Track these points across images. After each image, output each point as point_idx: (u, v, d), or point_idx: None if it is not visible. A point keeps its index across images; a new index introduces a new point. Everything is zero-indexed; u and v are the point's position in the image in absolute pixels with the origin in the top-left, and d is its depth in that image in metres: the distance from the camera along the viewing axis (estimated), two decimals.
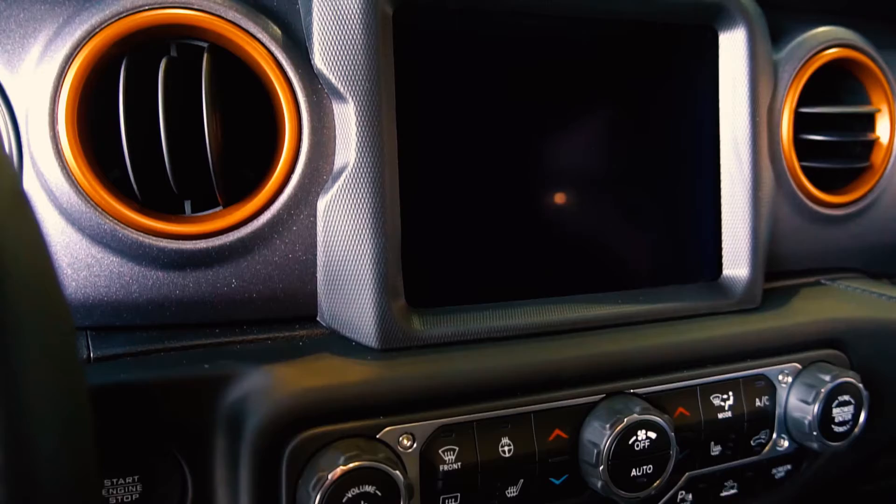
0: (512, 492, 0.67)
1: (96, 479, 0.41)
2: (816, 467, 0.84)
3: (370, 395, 0.62)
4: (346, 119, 0.64)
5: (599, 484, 0.67)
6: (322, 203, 0.65)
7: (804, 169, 0.87)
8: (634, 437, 0.67)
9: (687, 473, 0.75)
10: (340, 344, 0.66)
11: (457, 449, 0.64)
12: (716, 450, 0.75)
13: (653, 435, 0.68)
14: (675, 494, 0.76)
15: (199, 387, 0.60)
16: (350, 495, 0.57)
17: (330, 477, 0.57)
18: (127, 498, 0.60)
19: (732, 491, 0.79)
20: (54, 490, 0.37)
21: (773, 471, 0.81)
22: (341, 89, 0.63)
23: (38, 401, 0.37)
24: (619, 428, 0.66)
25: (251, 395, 0.60)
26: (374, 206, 0.64)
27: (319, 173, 0.66)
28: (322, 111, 0.65)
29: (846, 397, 0.77)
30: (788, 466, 0.82)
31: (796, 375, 0.79)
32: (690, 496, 0.77)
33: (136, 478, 0.60)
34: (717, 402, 0.75)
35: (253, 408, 0.59)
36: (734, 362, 0.76)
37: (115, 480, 0.59)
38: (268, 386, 0.60)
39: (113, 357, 0.61)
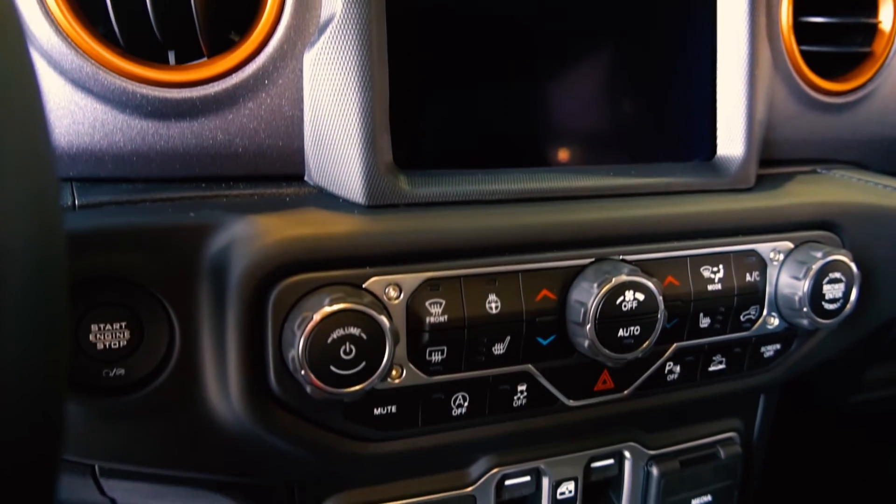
0: (499, 349, 0.67)
1: (67, 323, 0.40)
2: (806, 349, 0.84)
3: (356, 246, 0.62)
4: None
5: (586, 343, 0.67)
6: (308, 57, 0.64)
7: (803, 54, 0.86)
8: (622, 298, 0.67)
9: (675, 344, 0.75)
10: (328, 201, 0.66)
11: (443, 302, 0.64)
12: (704, 322, 0.75)
13: (641, 296, 0.67)
14: (663, 366, 0.76)
15: (185, 234, 0.60)
16: (335, 336, 0.57)
17: (315, 317, 0.57)
18: (114, 344, 0.60)
19: (720, 366, 0.79)
20: (22, 326, 0.36)
21: (763, 349, 0.81)
22: None
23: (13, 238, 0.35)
24: (606, 287, 0.66)
25: (236, 242, 0.60)
26: (360, 60, 0.63)
27: (306, 25, 0.65)
28: None
29: (837, 275, 0.77)
30: (778, 346, 0.82)
31: (788, 253, 0.78)
32: (678, 368, 0.77)
33: (122, 324, 0.60)
34: (707, 273, 0.74)
35: (238, 255, 0.59)
36: (725, 237, 0.75)
37: (102, 326, 0.59)
38: (253, 234, 0.60)
39: (98, 205, 0.61)
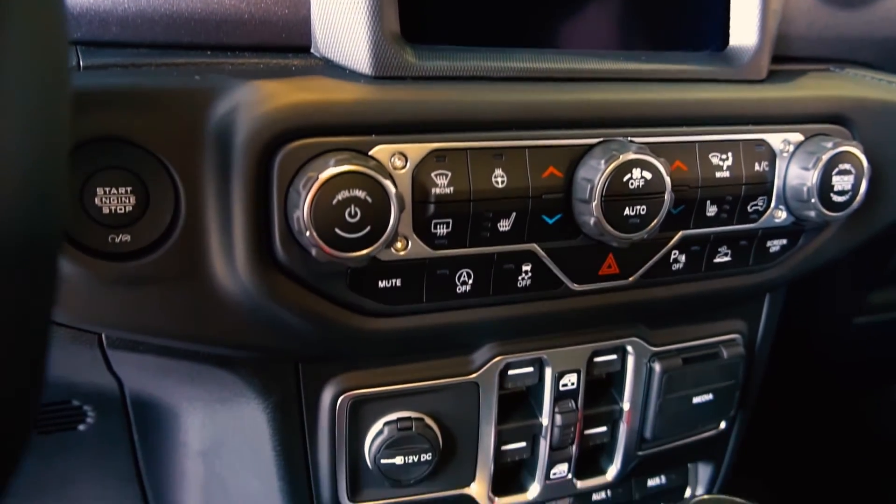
0: (504, 226, 0.67)
1: (65, 170, 0.39)
2: (812, 247, 0.84)
3: (362, 113, 0.61)
4: None
5: (592, 221, 0.66)
6: None
7: None
8: (629, 175, 0.66)
9: (681, 232, 0.75)
10: (334, 71, 0.65)
11: (449, 174, 0.63)
12: (711, 210, 0.75)
13: (648, 175, 0.67)
14: (669, 254, 0.76)
15: (189, 97, 0.59)
16: (340, 198, 0.57)
17: (321, 177, 0.57)
18: (120, 209, 0.60)
19: (726, 258, 0.79)
20: (21, 165, 0.36)
21: (769, 243, 0.81)
22: None
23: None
24: (614, 164, 0.65)
25: (241, 106, 0.59)
26: None
27: None
28: None
29: (847, 166, 0.76)
30: (784, 241, 0.81)
31: (798, 145, 0.77)
32: (683, 258, 0.77)
33: (128, 189, 0.60)
34: (715, 160, 0.74)
35: (243, 119, 0.59)
36: (735, 125, 0.75)
37: (107, 190, 0.59)
38: (259, 98, 0.59)
39: (103, 66, 0.61)
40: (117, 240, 0.60)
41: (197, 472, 0.91)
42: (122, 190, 0.60)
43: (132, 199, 0.60)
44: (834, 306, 1.32)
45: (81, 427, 0.87)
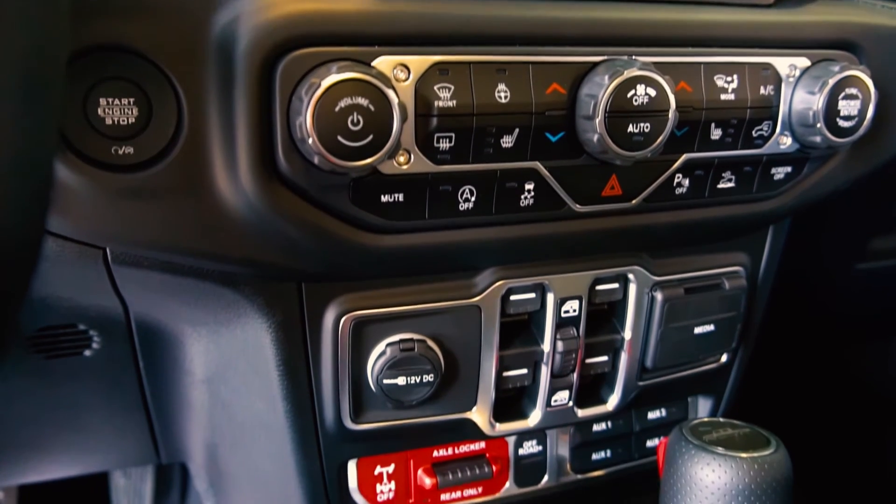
0: (507, 142, 0.67)
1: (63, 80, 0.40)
2: (817, 176, 0.83)
3: (365, 23, 0.61)
4: None
5: (595, 138, 0.66)
6: None
7: None
8: (633, 91, 0.66)
9: (685, 155, 0.74)
10: None
11: (452, 87, 0.63)
12: (716, 133, 0.75)
13: (652, 92, 0.66)
14: (672, 177, 0.75)
15: (191, 5, 0.59)
16: (343, 105, 0.57)
17: (323, 84, 0.57)
18: (123, 120, 0.60)
19: (730, 184, 0.79)
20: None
21: (773, 170, 0.80)
22: None
23: None
24: (618, 80, 0.65)
25: (244, 15, 0.59)
26: None
27: None
28: None
29: (854, 90, 0.76)
30: (789, 169, 0.81)
31: (804, 70, 0.77)
32: (687, 182, 0.77)
33: (131, 100, 0.60)
34: (720, 83, 0.73)
35: (245, 28, 0.59)
36: (742, 48, 0.74)
37: (110, 100, 0.59)
38: (260, 6, 0.59)
39: None
40: (120, 152, 0.61)
41: (202, 400, 0.93)
42: (124, 101, 0.60)
43: (135, 111, 0.60)
44: (836, 250, 1.32)
45: (88, 353, 0.88)
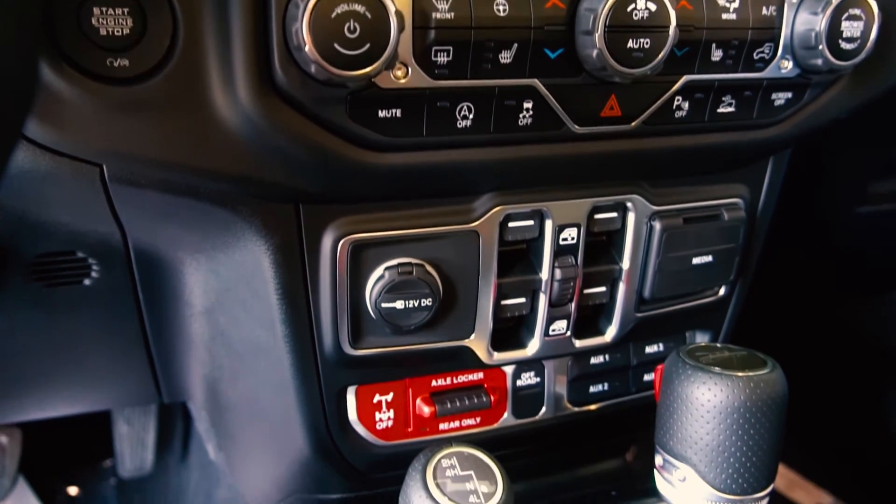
0: (505, 57, 0.66)
1: None
2: (818, 103, 0.83)
3: None
4: None
5: (595, 53, 0.66)
6: None
7: None
8: (633, 6, 0.65)
9: (685, 76, 0.74)
10: None
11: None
12: (717, 55, 0.74)
13: (653, 7, 0.66)
14: (672, 99, 0.75)
15: None
16: (339, 11, 0.57)
17: None
18: (118, 31, 0.59)
19: (730, 108, 0.78)
20: None
21: (774, 95, 0.80)
22: None
23: None
24: None
25: None
26: None
27: None
28: None
29: (857, 11, 0.75)
30: (789, 94, 0.81)
31: None
32: (687, 105, 0.76)
33: (125, 10, 0.59)
34: (722, 2, 0.72)
35: None
36: None
37: (104, 10, 0.59)
38: None
39: None
40: (116, 64, 0.60)
41: (202, 333, 0.93)
42: (118, 11, 0.59)
43: (129, 21, 0.59)
44: (836, 192, 1.32)
45: (87, 282, 0.88)
